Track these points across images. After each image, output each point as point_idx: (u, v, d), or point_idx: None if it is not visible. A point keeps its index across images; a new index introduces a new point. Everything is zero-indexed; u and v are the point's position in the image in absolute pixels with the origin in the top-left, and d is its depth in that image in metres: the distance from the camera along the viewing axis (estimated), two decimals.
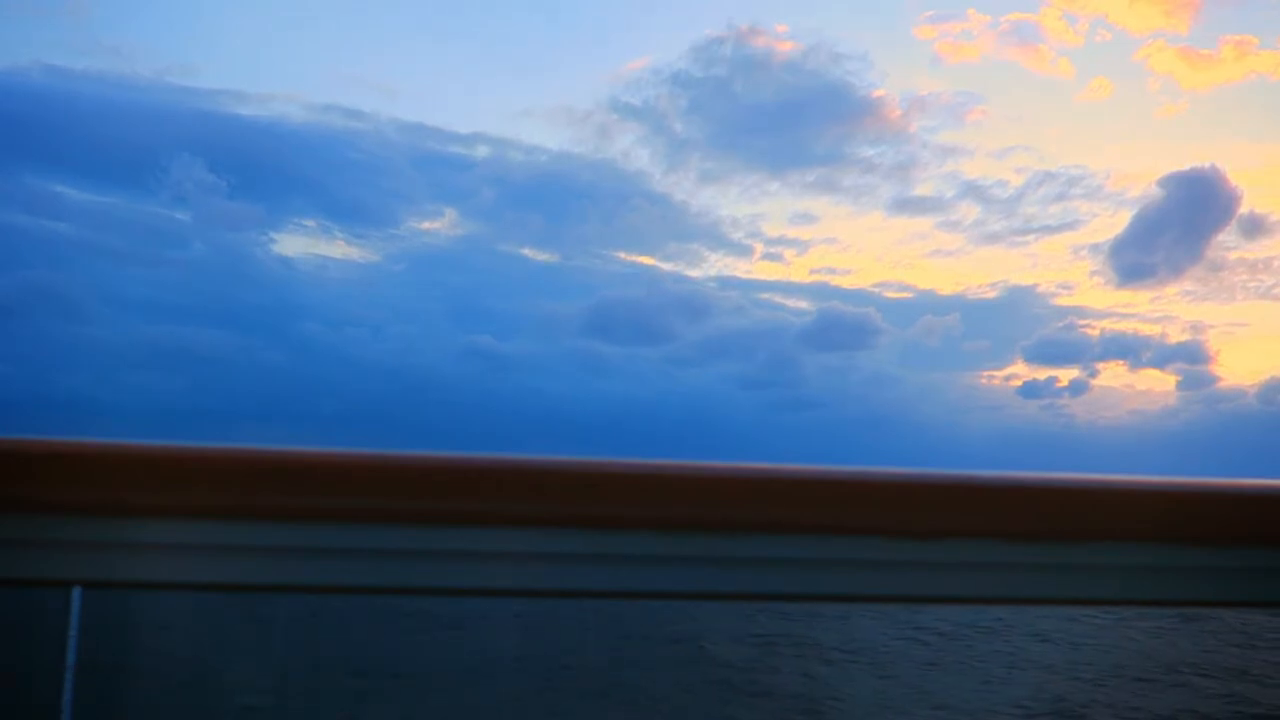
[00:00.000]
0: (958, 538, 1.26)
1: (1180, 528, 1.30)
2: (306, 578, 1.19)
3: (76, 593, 1.23)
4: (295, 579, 1.19)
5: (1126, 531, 1.28)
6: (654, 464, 1.20)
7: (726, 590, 1.27)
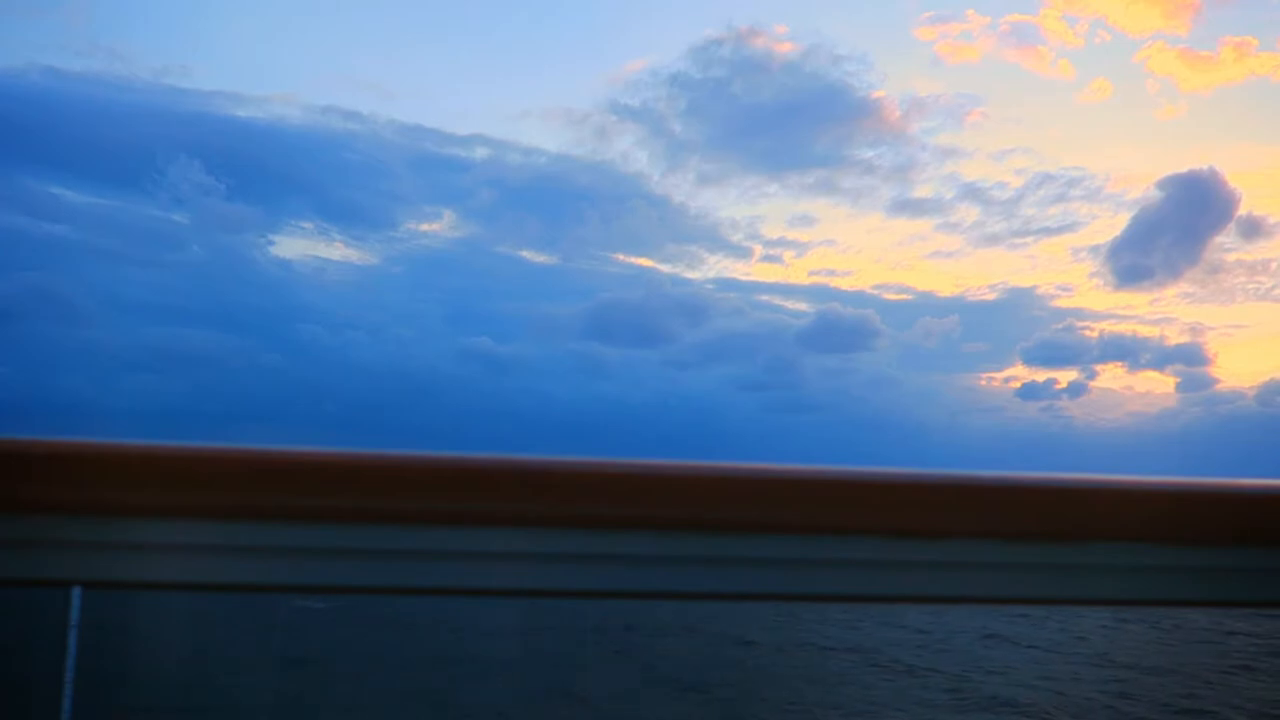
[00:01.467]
0: (958, 538, 1.26)
1: (1180, 528, 1.30)
2: (307, 578, 1.19)
3: (76, 593, 1.23)
4: (295, 579, 1.19)
5: (1126, 531, 1.29)
6: (653, 464, 1.21)
7: (726, 590, 1.27)
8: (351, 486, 1.15)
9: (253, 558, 1.16)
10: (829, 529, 1.24)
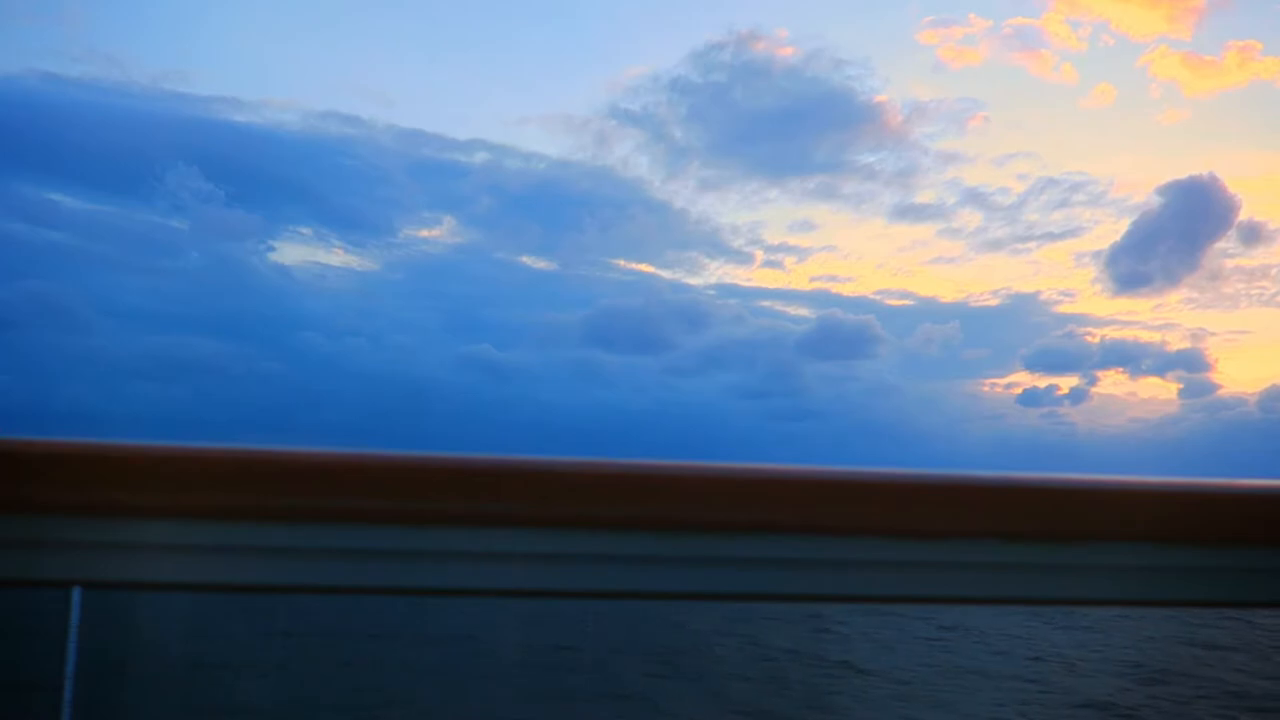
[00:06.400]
0: (958, 538, 1.26)
1: (1180, 528, 1.30)
2: (306, 578, 1.19)
3: (76, 593, 1.22)
4: (295, 579, 1.19)
5: (1126, 531, 1.29)
6: (653, 464, 1.21)
7: (725, 591, 1.27)
8: (353, 487, 1.15)
9: (253, 558, 1.16)
10: (829, 529, 1.24)
